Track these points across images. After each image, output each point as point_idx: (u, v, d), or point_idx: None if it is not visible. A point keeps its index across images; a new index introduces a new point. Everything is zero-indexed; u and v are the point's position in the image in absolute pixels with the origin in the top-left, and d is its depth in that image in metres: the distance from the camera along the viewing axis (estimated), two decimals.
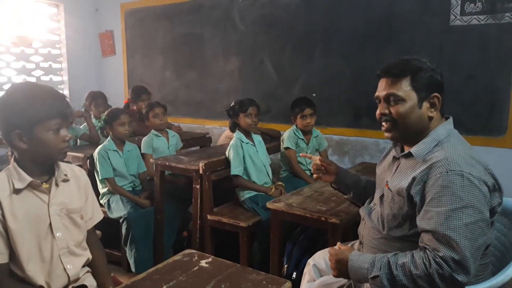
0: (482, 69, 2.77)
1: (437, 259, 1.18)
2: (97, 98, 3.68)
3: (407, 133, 1.41)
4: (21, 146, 1.35)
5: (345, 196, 1.80)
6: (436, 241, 1.21)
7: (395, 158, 1.48)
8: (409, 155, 1.39)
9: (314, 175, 1.77)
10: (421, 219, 1.27)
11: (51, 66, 4.55)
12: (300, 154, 2.11)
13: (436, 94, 1.37)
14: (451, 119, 1.42)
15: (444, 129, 1.37)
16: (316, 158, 1.77)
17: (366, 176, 1.78)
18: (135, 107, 3.77)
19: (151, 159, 3.03)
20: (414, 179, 1.31)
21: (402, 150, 1.46)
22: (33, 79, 4.32)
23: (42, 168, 1.43)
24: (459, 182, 1.21)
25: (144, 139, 3.18)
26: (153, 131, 3.21)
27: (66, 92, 4.58)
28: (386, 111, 1.41)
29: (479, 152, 1.35)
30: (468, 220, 1.19)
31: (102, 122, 2.96)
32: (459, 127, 1.43)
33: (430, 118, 1.38)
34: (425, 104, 1.37)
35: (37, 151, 1.38)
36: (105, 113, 3.00)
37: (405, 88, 1.37)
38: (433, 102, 1.38)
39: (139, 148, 3.14)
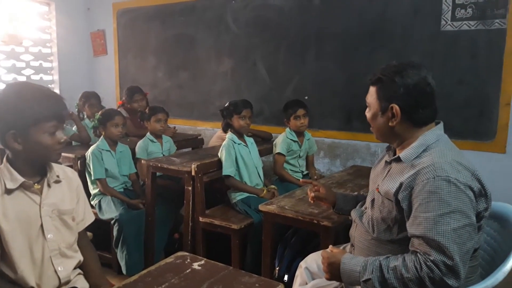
0: (472, 74, 2.80)
1: (428, 263, 1.20)
2: (91, 98, 3.65)
3: (380, 136, 1.50)
4: (16, 147, 1.34)
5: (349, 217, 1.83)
6: (426, 246, 1.22)
7: (386, 163, 1.50)
8: (399, 159, 1.41)
9: (311, 200, 1.84)
10: (410, 225, 1.29)
11: (41, 65, 4.49)
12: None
13: (393, 105, 1.38)
14: (441, 124, 1.43)
15: (433, 134, 1.39)
16: (316, 184, 1.86)
17: (364, 194, 1.79)
18: (129, 106, 3.75)
19: (143, 161, 3.01)
20: (401, 184, 1.33)
21: (395, 155, 1.48)
22: (23, 78, 4.26)
23: (34, 168, 1.42)
24: (446, 188, 1.23)
25: (139, 143, 3.15)
26: (148, 135, 3.19)
27: (56, 91, 4.53)
28: (366, 114, 1.51)
29: (469, 156, 1.37)
30: (456, 225, 1.21)
31: (96, 122, 2.93)
32: (449, 131, 1.45)
33: (392, 128, 1.41)
34: (386, 114, 1.41)
35: (31, 152, 1.37)
36: (99, 113, 2.97)
37: (372, 95, 1.46)
38: (393, 113, 1.39)
39: (130, 149, 3.12)
